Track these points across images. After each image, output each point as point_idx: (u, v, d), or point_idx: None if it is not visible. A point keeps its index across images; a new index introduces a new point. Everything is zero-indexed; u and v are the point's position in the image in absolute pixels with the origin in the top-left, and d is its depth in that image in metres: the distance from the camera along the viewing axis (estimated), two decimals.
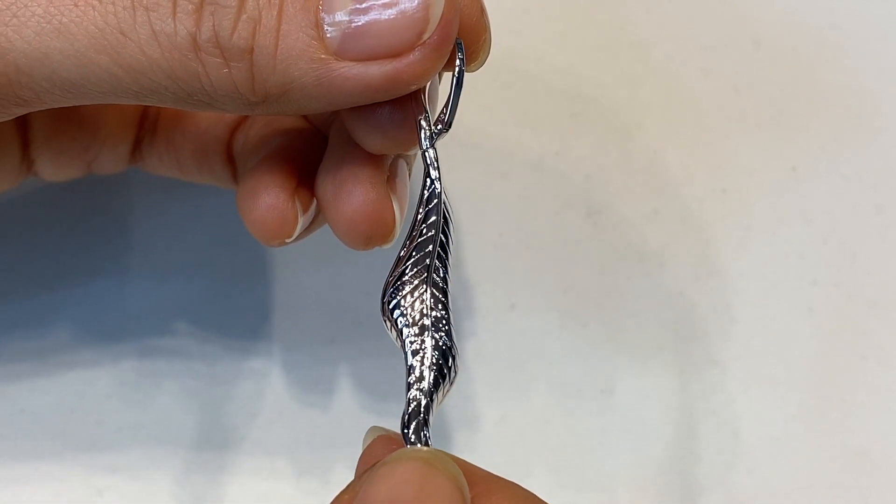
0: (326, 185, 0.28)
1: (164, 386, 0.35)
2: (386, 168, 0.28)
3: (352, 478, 0.35)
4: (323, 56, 0.24)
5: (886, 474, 0.35)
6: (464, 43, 0.26)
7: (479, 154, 0.38)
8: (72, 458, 0.34)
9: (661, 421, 0.35)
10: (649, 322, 0.36)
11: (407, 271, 0.26)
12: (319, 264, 0.36)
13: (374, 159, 0.28)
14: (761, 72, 0.39)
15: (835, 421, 0.36)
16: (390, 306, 0.26)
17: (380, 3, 0.25)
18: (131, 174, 0.36)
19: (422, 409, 0.24)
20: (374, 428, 0.27)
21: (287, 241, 0.29)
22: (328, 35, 0.24)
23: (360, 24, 0.24)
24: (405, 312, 0.25)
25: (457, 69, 0.26)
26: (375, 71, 0.25)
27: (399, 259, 0.26)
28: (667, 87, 0.39)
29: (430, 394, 0.24)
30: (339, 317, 0.36)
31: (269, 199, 0.28)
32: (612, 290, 0.37)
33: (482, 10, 0.26)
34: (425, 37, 0.25)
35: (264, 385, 0.35)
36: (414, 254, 0.26)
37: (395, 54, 0.25)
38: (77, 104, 0.26)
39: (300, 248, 0.36)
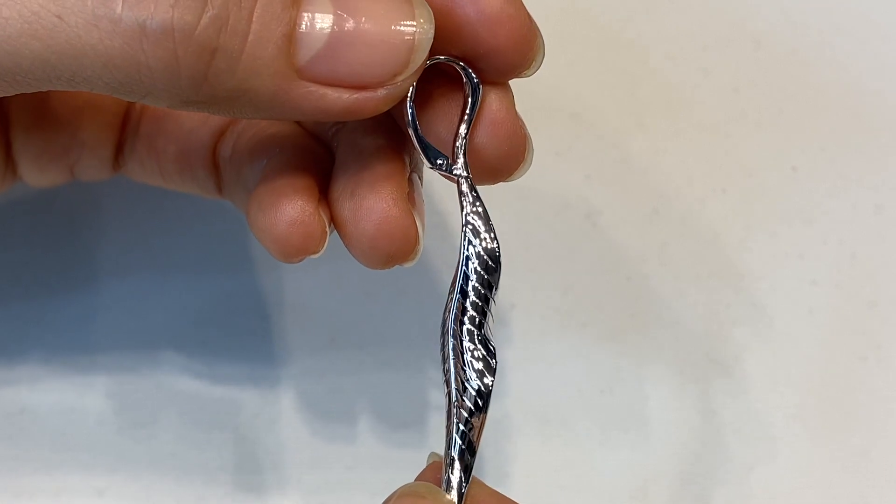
0: (343, 202, 0.27)
1: (163, 386, 0.35)
2: (406, 184, 0.27)
3: (349, 475, 0.35)
4: (287, 71, 0.23)
5: (886, 474, 0.35)
6: (519, 50, 0.25)
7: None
8: (72, 458, 0.34)
9: (661, 421, 0.35)
10: (649, 322, 0.36)
11: (447, 312, 0.25)
12: (319, 264, 0.36)
13: (396, 175, 0.27)
14: (761, 72, 0.39)
15: (835, 421, 0.36)
16: (440, 344, 0.26)
17: (366, 21, 0.24)
18: None
19: (455, 453, 0.25)
20: (432, 454, 0.27)
21: (313, 256, 0.27)
22: (300, 51, 0.23)
23: (336, 44, 0.23)
24: (445, 355, 0.25)
25: (468, 107, 0.25)
26: (336, 97, 0.24)
27: (448, 296, 0.26)
28: (667, 87, 0.39)
29: (464, 435, 0.25)
30: (339, 317, 0.36)
31: (293, 212, 0.26)
32: (612, 290, 0.37)
33: (530, 17, 0.25)
34: (399, 79, 0.24)
35: (264, 385, 0.35)
36: (455, 295, 0.25)
37: (362, 87, 0.24)
38: (9, 94, 0.24)
39: None
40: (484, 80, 0.26)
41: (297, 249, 0.27)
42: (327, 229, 0.27)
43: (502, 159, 0.26)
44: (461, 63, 0.25)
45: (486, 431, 0.35)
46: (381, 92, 0.24)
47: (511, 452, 0.35)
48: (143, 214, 0.37)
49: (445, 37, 0.25)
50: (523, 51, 0.25)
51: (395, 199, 0.26)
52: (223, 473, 0.34)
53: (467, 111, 0.25)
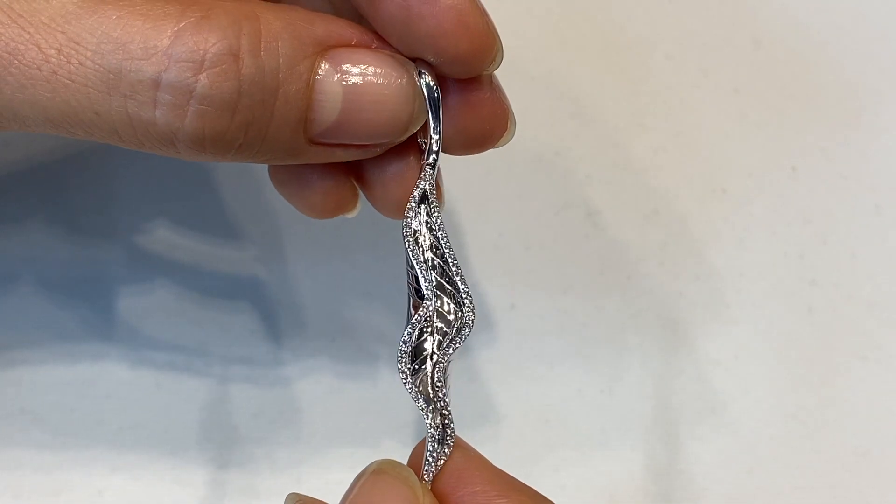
0: (373, 175, 0.28)
1: (164, 386, 0.35)
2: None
3: (351, 475, 0.35)
4: (300, 143, 0.25)
5: (886, 474, 0.35)
6: (477, 53, 0.26)
7: (478, 154, 0.38)
8: (72, 458, 0.34)
9: (660, 421, 0.35)
10: (649, 322, 0.36)
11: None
12: (319, 264, 0.36)
13: (418, 151, 0.28)
14: (761, 72, 0.39)
15: (835, 421, 0.36)
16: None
17: (372, 102, 0.25)
18: (134, 171, 0.37)
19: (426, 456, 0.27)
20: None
21: (348, 216, 0.29)
22: (313, 127, 0.25)
23: (344, 120, 0.25)
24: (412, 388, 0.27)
25: (431, 107, 0.26)
26: (342, 153, 0.26)
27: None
28: (667, 87, 0.39)
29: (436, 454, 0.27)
30: (339, 317, 0.36)
31: (325, 184, 0.28)
32: (612, 290, 0.37)
33: (486, 24, 0.26)
34: (397, 140, 0.26)
35: (265, 385, 0.35)
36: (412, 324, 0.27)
37: (363, 147, 0.26)
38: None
39: (301, 249, 0.36)
40: (451, 76, 0.27)
41: (332, 212, 0.29)
42: (358, 192, 0.28)
43: (484, 135, 0.28)
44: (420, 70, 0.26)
45: (485, 431, 0.35)
46: (378, 148, 0.26)
47: (511, 452, 0.35)
48: (145, 216, 0.37)
49: (409, 47, 0.26)
50: (482, 57, 0.26)
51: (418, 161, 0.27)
52: (223, 474, 0.34)
53: (430, 110, 0.26)
